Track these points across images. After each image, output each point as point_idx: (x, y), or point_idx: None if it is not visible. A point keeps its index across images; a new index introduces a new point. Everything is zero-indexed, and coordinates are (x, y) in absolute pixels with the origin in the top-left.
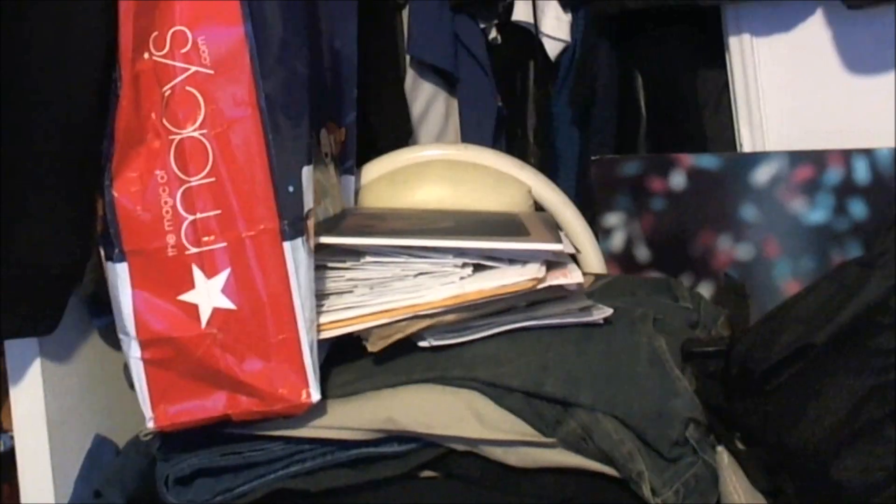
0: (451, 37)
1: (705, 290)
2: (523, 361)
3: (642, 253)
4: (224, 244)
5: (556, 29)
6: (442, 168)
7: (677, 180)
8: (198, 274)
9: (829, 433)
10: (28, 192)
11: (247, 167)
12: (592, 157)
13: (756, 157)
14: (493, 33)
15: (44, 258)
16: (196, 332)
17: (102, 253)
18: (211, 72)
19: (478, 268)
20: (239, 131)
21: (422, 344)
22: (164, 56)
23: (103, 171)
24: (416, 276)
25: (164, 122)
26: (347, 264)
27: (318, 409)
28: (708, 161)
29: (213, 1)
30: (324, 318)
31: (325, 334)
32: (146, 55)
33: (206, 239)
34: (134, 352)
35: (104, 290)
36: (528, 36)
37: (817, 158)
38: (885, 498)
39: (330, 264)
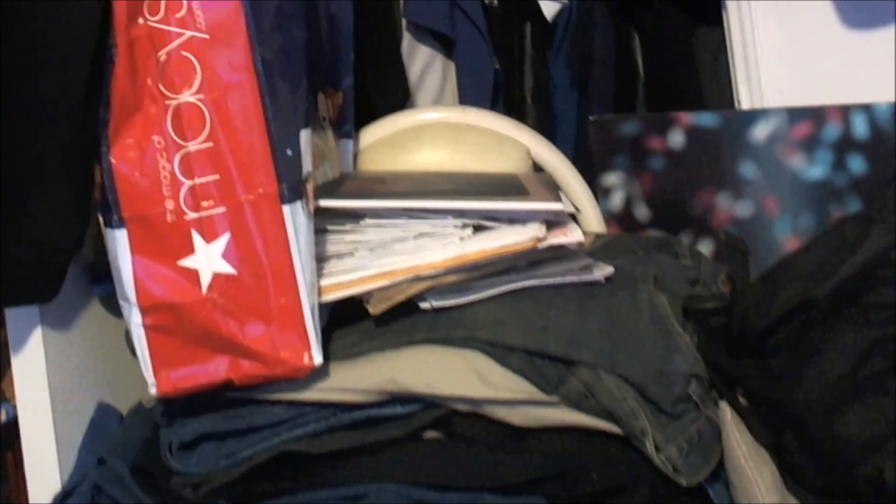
0: (447, 0)
1: (705, 247)
2: (525, 321)
3: (642, 212)
4: (223, 209)
5: None
6: (440, 130)
7: (676, 139)
8: (197, 239)
9: (831, 387)
10: (24, 161)
11: (244, 131)
12: (590, 118)
13: (754, 115)
14: None
15: (43, 227)
16: (197, 298)
17: (101, 220)
18: (206, 36)
19: (478, 228)
20: (236, 96)
21: (423, 305)
22: (158, 21)
23: (100, 137)
24: (416, 237)
25: (161, 87)
26: (347, 227)
27: (320, 372)
28: (706, 119)
29: None
30: (324, 282)
31: (327, 297)
32: (141, 21)
33: (205, 204)
34: (135, 318)
35: (104, 257)
36: None
37: (816, 114)
38: (889, 451)
39: (330, 227)
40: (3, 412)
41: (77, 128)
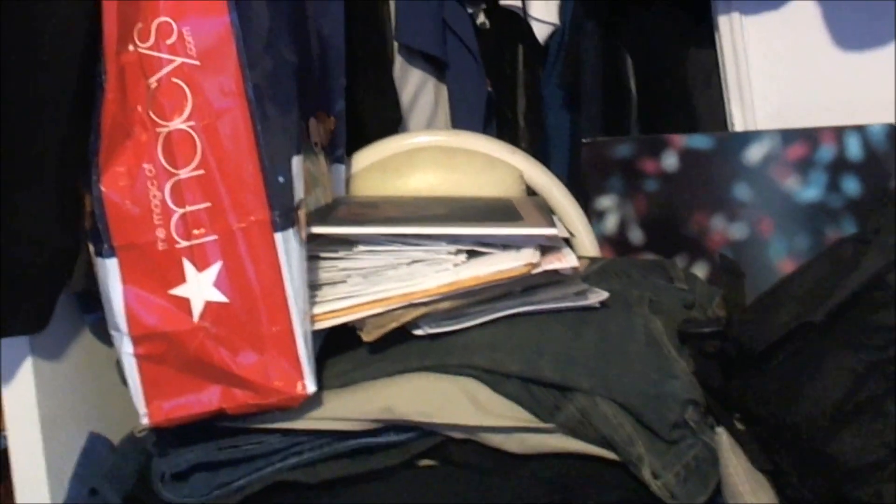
0: (439, 22)
1: (700, 270)
2: (520, 347)
3: (636, 235)
4: (215, 237)
5: (544, 12)
6: (433, 154)
7: (669, 161)
8: (189, 267)
9: (828, 411)
10: (11, 188)
11: (236, 158)
12: (583, 140)
13: (748, 136)
14: (482, 18)
15: (30, 255)
16: (188, 327)
17: (92, 248)
18: (197, 63)
19: (472, 254)
20: (227, 122)
21: (417, 332)
22: (149, 48)
23: (90, 165)
24: (409, 263)
25: (151, 114)
26: (340, 254)
27: (314, 401)
28: (700, 141)
29: None
30: (317, 309)
31: (320, 325)
32: (131, 47)
33: (196, 232)
34: (126, 347)
35: (95, 286)
36: (517, 19)
37: (809, 136)
38: (886, 475)
39: (322, 254)
40: None
41: (62, 155)
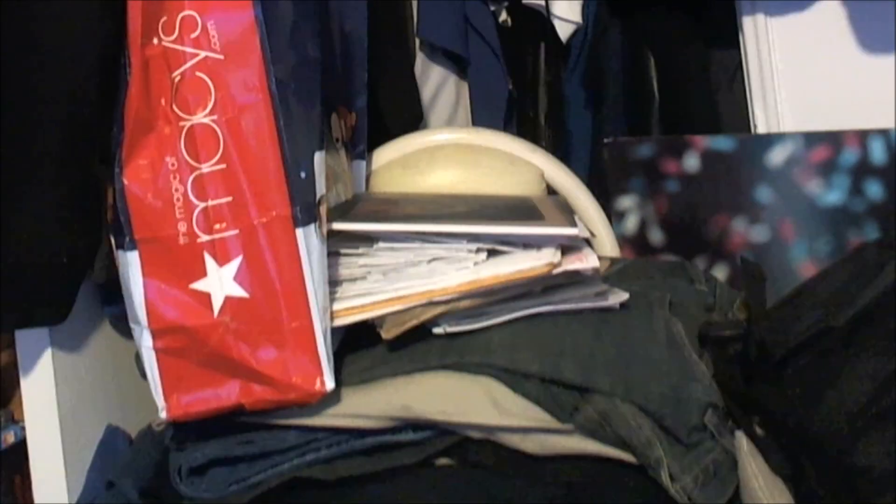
0: (461, 19)
1: (720, 272)
2: (540, 347)
3: (656, 236)
4: (236, 231)
5: (567, 11)
6: (454, 152)
7: (691, 162)
8: (210, 262)
9: (850, 417)
10: (32, 181)
11: (258, 153)
12: (605, 140)
13: (771, 139)
14: (504, 16)
15: (52, 248)
16: (208, 321)
17: (113, 241)
18: (221, 57)
19: (492, 253)
20: (250, 117)
21: (436, 330)
22: (173, 41)
23: (113, 158)
24: (429, 261)
25: (175, 108)
26: (360, 250)
27: (332, 398)
28: (722, 143)
29: None
30: (337, 306)
31: (339, 321)
32: (155, 40)
33: (217, 226)
34: (146, 341)
35: (116, 279)
36: (539, 18)
37: (833, 139)
38: None
39: (343, 251)
40: (12, 434)
41: (85, 137)
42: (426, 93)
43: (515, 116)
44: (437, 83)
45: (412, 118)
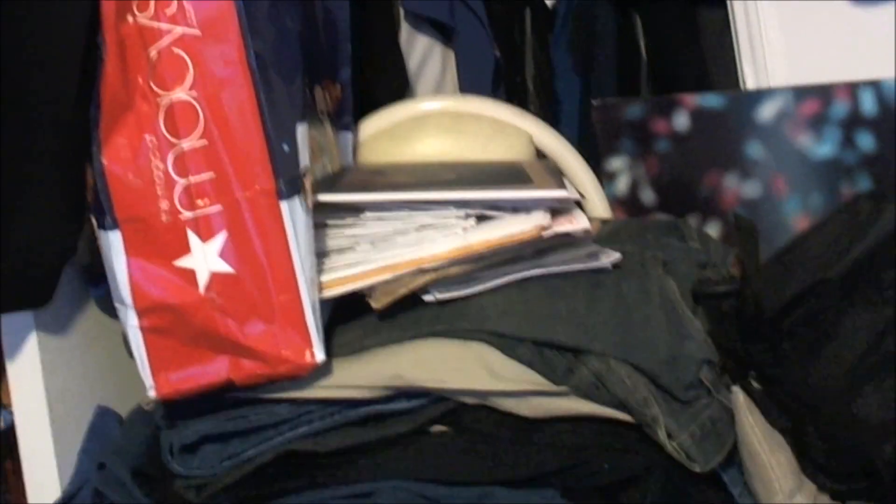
0: None
1: (713, 230)
2: (532, 311)
3: (648, 196)
4: (219, 207)
5: None
6: (441, 120)
7: (681, 121)
8: (193, 238)
9: (847, 369)
10: (13, 166)
11: (239, 127)
12: (594, 102)
13: (760, 94)
14: None
15: (35, 231)
16: (194, 298)
17: (94, 222)
18: (198, 32)
19: (481, 218)
20: (230, 91)
21: (427, 298)
22: (148, 18)
23: (91, 138)
24: (418, 229)
25: (152, 85)
26: (348, 221)
27: (323, 370)
28: (711, 100)
29: None
30: (325, 277)
31: (328, 293)
32: (130, 18)
33: (200, 203)
34: (131, 320)
35: (99, 259)
36: None
37: (823, 92)
38: None
39: (330, 222)
40: (1, 419)
41: (67, 130)
42: (412, 62)
43: (503, 83)
44: (422, 52)
45: (399, 88)
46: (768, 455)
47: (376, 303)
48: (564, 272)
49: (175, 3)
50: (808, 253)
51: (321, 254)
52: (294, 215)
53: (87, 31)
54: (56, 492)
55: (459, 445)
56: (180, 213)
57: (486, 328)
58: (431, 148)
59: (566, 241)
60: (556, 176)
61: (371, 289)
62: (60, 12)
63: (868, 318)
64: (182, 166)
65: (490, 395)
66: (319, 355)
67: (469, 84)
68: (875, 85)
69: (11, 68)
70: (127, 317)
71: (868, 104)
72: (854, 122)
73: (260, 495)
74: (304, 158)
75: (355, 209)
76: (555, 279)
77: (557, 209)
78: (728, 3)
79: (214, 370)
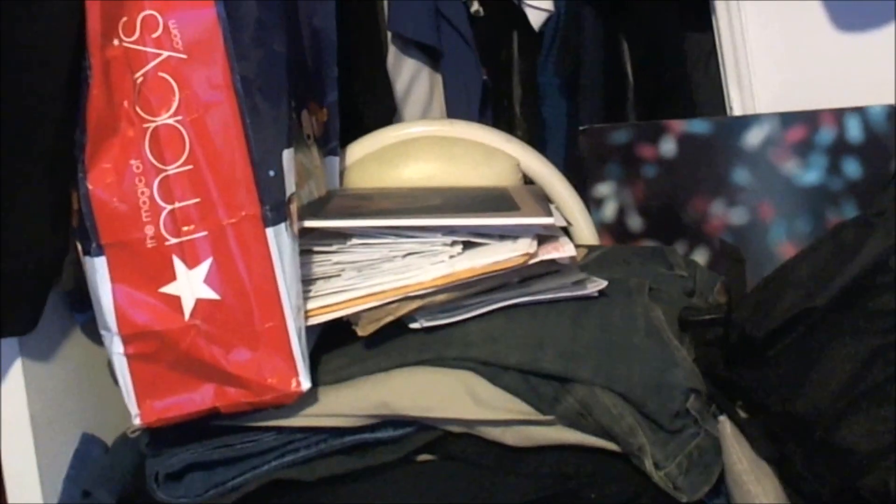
0: (432, 11)
1: (700, 256)
2: (518, 338)
3: (635, 222)
4: (205, 233)
5: None
6: (428, 144)
7: (668, 147)
8: (179, 265)
9: (833, 397)
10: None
11: (225, 153)
12: (581, 127)
13: (747, 120)
14: (475, 6)
15: (18, 256)
16: (179, 325)
17: (79, 247)
18: (184, 56)
19: (468, 245)
20: (215, 116)
21: (413, 326)
22: (134, 42)
23: (76, 163)
24: (404, 256)
25: (138, 109)
26: (334, 247)
27: (309, 398)
28: (698, 126)
29: None
30: (311, 304)
31: (314, 320)
32: (116, 42)
33: (185, 228)
34: (116, 347)
35: (85, 285)
36: (511, 6)
37: (809, 118)
38: (893, 461)
39: (316, 248)
40: None
41: (48, 152)
42: (399, 86)
43: (490, 107)
44: (410, 76)
45: (386, 112)
46: (755, 484)
47: (362, 330)
48: (550, 299)
49: (161, 25)
50: (793, 280)
51: (307, 280)
52: (280, 242)
53: (72, 53)
54: None
55: (445, 474)
56: (166, 238)
57: (472, 356)
58: (418, 172)
59: (553, 269)
60: (543, 202)
61: (357, 316)
62: (45, 31)
63: (854, 347)
64: (167, 191)
65: (476, 424)
66: (305, 383)
67: (456, 107)
68: (861, 111)
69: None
70: (112, 343)
71: (854, 131)
72: (840, 148)
73: None
74: (290, 184)
75: (342, 235)
76: (540, 306)
77: (544, 236)
78: (715, 29)
79: (199, 398)
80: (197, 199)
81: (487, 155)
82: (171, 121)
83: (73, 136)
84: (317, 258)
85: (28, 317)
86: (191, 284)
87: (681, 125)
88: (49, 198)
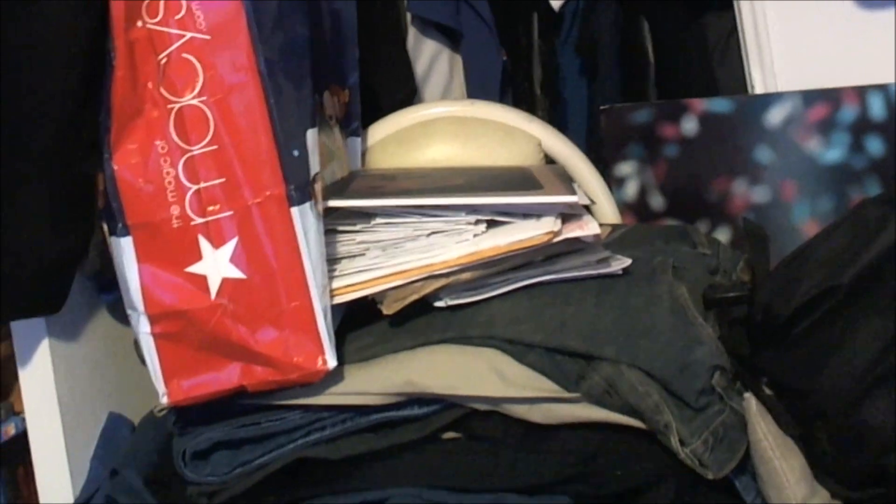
0: None
1: (722, 235)
2: (543, 317)
3: (657, 201)
4: (230, 213)
5: None
6: (449, 125)
7: (689, 126)
8: (205, 244)
9: (857, 376)
10: (23, 176)
11: (249, 133)
12: (602, 107)
13: (769, 99)
14: None
15: (44, 237)
16: (206, 304)
17: (105, 228)
18: (207, 37)
19: (491, 224)
20: (239, 97)
21: (438, 304)
22: (158, 23)
23: (102, 144)
24: (429, 235)
25: (162, 90)
26: (358, 227)
27: (335, 376)
28: (720, 105)
29: None
30: (336, 283)
31: (339, 299)
32: (140, 24)
33: (211, 208)
34: (143, 327)
35: (111, 265)
36: None
37: (831, 96)
38: None
39: (340, 228)
40: (13, 425)
41: (65, 133)
42: (420, 67)
43: (510, 87)
44: (430, 57)
45: (407, 93)
46: (781, 461)
47: (387, 309)
48: (574, 278)
49: (184, 7)
50: (817, 259)
51: (331, 259)
52: (305, 221)
53: (93, 34)
54: (68, 498)
55: (471, 452)
56: (192, 218)
57: (497, 334)
58: (440, 153)
59: (576, 247)
60: (566, 181)
61: (382, 295)
62: (45, 32)
63: (878, 326)
64: (193, 172)
65: (501, 402)
66: (331, 362)
67: (476, 88)
68: (883, 89)
69: (7, 69)
70: (139, 323)
71: (876, 108)
72: (862, 126)
73: (271, 502)
74: (315, 164)
75: (366, 215)
76: (564, 285)
77: (568, 214)
78: (736, 7)
79: (226, 376)
80: (222, 179)
81: (509, 135)
82: (195, 101)
83: (96, 116)
84: (341, 237)
85: (55, 297)
86: (217, 264)
87: (702, 104)
88: (68, 179)
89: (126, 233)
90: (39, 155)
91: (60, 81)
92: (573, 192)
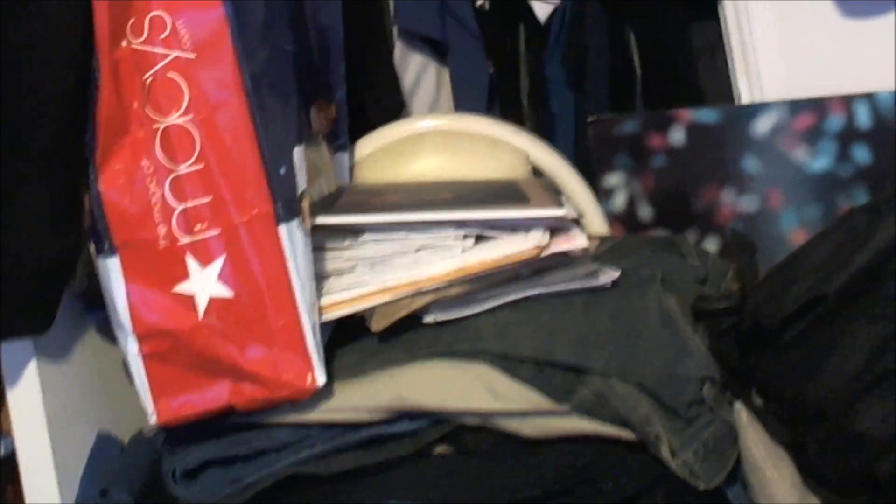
0: (438, 5)
1: (711, 245)
2: (532, 330)
3: (645, 212)
4: (217, 231)
5: None
6: (437, 139)
7: (677, 136)
8: (192, 263)
9: (847, 384)
10: (21, 171)
11: (235, 151)
12: (589, 118)
13: (755, 108)
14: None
15: (31, 256)
16: (194, 323)
17: (92, 247)
18: (192, 56)
19: (479, 238)
20: (225, 115)
21: (426, 320)
22: (142, 43)
23: (87, 164)
24: (416, 251)
25: (147, 110)
26: (346, 243)
27: (324, 393)
28: (707, 115)
29: None
30: (325, 300)
31: (327, 316)
32: (124, 43)
33: (198, 227)
34: (131, 347)
35: (98, 285)
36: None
37: (817, 105)
38: None
39: (328, 245)
40: (2, 446)
41: (72, 132)
42: (407, 80)
43: (498, 100)
44: (417, 70)
45: (394, 107)
46: (771, 470)
47: (375, 325)
48: (563, 291)
49: (169, 26)
50: (806, 267)
51: (319, 276)
52: (292, 239)
53: (75, 53)
54: None
55: (462, 467)
56: (178, 238)
57: (486, 348)
58: (428, 167)
59: (565, 260)
60: (554, 194)
61: (370, 311)
62: (45, 31)
63: (868, 333)
64: (179, 191)
65: (492, 416)
66: (321, 378)
67: (464, 101)
68: (870, 97)
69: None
70: (127, 343)
71: (863, 117)
72: (849, 135)
73: None
74: (302, 181)
75: (353, 231)
76: (553, 298)
77: (556, 227)
78: (721, 17)
79: (215, 395)
80: (209, 198)
81: (496, 148)
82: (180, 120)
83: (83, 137)
84: (329, 254)
85: (42, 317)
86: (204, 283)
87: (689, 114)
88: (55, 198)
89: (113, 253)
90: (39, 155)
91: (60, 81)
92: (561, 205)
